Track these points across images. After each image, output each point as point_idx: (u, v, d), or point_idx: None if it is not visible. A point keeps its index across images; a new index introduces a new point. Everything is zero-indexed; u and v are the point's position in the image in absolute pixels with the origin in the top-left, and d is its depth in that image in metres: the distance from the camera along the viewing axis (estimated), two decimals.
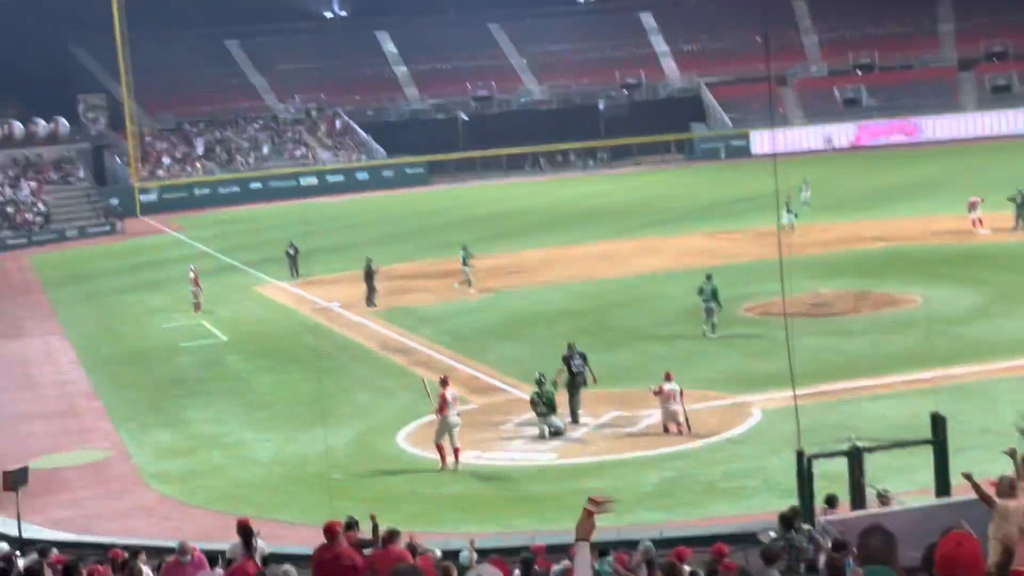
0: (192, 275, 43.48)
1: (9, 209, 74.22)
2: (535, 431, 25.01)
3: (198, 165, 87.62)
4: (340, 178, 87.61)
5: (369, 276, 41.12)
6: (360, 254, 45.18)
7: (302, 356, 34.50)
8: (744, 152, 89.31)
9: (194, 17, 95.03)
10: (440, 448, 23.50)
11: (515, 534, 19.08)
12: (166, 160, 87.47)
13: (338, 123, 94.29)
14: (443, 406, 23.50)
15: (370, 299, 40.95)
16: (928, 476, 16.66)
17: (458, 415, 23.70)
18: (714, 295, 32.75)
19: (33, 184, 77.90)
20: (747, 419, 24.95)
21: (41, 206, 75.58)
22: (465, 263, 42.59)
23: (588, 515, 5.99)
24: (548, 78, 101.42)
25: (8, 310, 48.29)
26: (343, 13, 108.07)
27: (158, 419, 29.42)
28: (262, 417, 28.75)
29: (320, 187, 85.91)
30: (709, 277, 33.29)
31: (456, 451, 23.37)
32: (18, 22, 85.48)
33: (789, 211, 47.62)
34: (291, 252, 48.28)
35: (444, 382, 24.21)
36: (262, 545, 14.11)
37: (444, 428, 23.49)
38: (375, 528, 14.60)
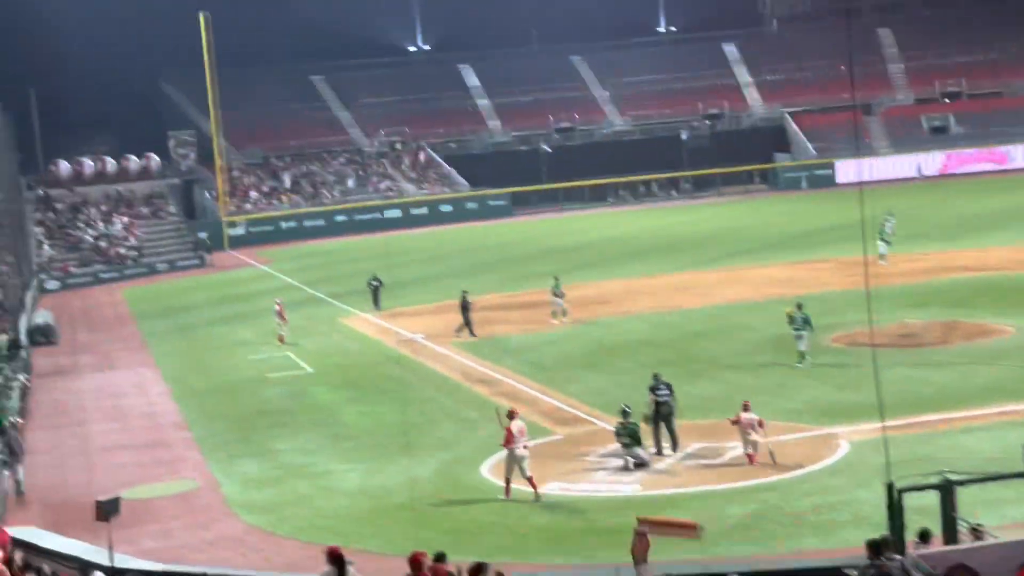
0: (277, 308, 44.06)
1: (103, 243, 75.73)
2: (619, 462, 24.93)
3: (284, 199, 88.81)
4: (424, 211, 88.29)
5: (464, 309, 41.40)
6: (443, 286, 45.41)
7: (387, 387, 34.73)
8: (829, 182, 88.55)
9: (280, 53, 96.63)
10: (508, 480, 23.61)
11: (600, 567, 18.99)
12: (253, 194, 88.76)
13: (422, 156, 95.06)
14: (509, 439, 23.56)
15: (463, 330, 41.08)
16: (1021, 510, 16.32)
17: (525, 447, 23.72)
18: (806, 323, 32.44)
19: (125, 219, 79.49)
20: (835, 451, 24.63)
21: (133, 240, 77.03)
22: (555, 294, 42.68)
23: (640, 536, 5.85)
24: (630, 109, 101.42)
25: (101, 342, 49.23)
26: (426, 47, 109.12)
27: (246, 449, 29.76)
28: (348, 448, 28.96)
29: (404, 220, 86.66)
30: (800, 306, 32.98)
31: (530, 480, 23.37)
32: (110, 61, 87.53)
33: (884, 240, 47.04)
34: (374, 284, 48.68)
35: (511, 415, 24.24)
36: (354, 574, 14.18)
37: (512, 461, 23.57)
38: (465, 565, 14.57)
